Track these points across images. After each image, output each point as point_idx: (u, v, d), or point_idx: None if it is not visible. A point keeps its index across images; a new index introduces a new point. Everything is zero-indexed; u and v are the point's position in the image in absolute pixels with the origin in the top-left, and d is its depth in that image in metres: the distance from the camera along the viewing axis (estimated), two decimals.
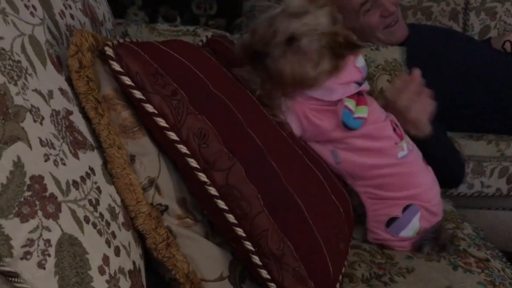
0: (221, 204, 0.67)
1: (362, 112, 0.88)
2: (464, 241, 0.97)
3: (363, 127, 0.88)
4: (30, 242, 0.45)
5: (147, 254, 0.67)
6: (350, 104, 0.88)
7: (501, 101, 1.42)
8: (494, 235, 1.47)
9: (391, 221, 0.90)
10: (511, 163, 1.40)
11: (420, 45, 1.43)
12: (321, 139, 0.91)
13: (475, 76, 1.43)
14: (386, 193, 0.91)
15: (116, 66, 0.64)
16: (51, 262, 0.46)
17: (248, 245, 0.69)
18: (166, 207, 0.68)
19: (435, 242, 0.91)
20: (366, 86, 0.93)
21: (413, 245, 0.92)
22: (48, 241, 0.46)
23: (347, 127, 0.87)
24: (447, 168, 1.05)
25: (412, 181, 0.91)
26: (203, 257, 0.69)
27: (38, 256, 0.45)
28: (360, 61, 0.91)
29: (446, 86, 1.39)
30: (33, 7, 0.58)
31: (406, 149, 0.91)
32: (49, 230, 0.47)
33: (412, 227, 0.90)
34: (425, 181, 0.93)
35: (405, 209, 0.90)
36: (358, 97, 0.89)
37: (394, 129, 0.92)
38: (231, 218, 0.68)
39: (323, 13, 0.85)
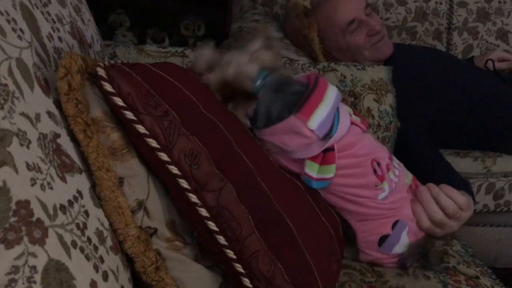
0: (212, 225, 0.67)
1: (326, 172, 0.84)
2: (453, 258, 0.97)
3: (336, 178, 0.85)
4: (15, 269, 0.43)
5: (136, 278, 0.66)
6: (310, 169, 0.84)
7: (486, 118, 1.44)
8: (482, 252, 1.48)
9: (382, 239, 0.89)
10: (497, 180, 1.42)
11: (406, 64, 1.45)
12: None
13: (460, 94, 1.45)
14: (374, 216, 0.89)
15: (108, 87, 0.64)
16: None
17: (239, 267, 0.68)
18: (155, 230, 0.67)
19: (421, 260, 0.90)
20: (338, 135, 0.84)
21: (398, 262, 0.91)
22: (34, 268, 0.45)
23: None
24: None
25: (392, 217, 0.90)
26: (193, 280, 0.68)
27: (23, 283, 0.44)
28: (313, 123, 0.81)
29: (431, 104, 1.41)
30: (21, 30, 0.58)
31: (388, 189, 0.88)
32: (35, 256, 0.46)
33: (403, 243, 0.90)
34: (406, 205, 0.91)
35: (394, 224, 0.89)
36: (323, 155, 0.84)
37: (375, 171, 0.87)
38: (221, 239, 0.67)
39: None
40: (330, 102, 0.84)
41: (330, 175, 0.84)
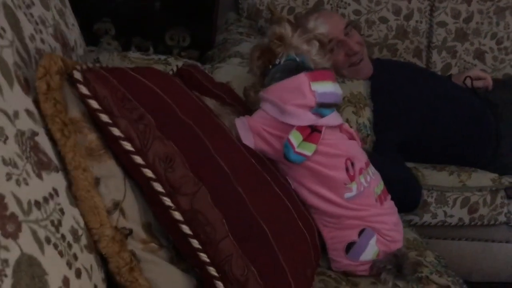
0: (186, 229, 0.68)
1: (306, 149, 0.88)
2: (426, 268, 0.99)
3: (313, 158, 0.89)
4: None
5: (110, 278, 0.66)
6: (295, 138, 0.88)
7: (462, 133, 1.48)
8: (458, 266, 1.50)
9: (349, 246, 0.92)
10: (472, 194, 1.45)
11: (384, 79, 1.48)
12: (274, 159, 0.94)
13: (437, 109, 1.48)
14: (339, 219, 0.92)
15: (84, 90, 0.65)
16: (7, 282, 0.45)
17: (212, 271, 0.69)
18: (131, 231, 0.67)
19: (395, 269, 0.91)
20: (329, 121, 0.91)
21: (371, 269, 0.93)
22: (5, 261, 0.45)
23: (286, 160, 0.89)
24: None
25: (358, 222, 0.92)
26: (167, 282, 0.68)
27: None
28: (317, 87, 0.90)
29: (409, 118, 1.44)
30: (2, 29, 0.59)
31: (356, 190, 0.91)
32: (8, 250, 0.46)
33: (371, 250, 0.92)
34: (373, 217, 0.92)
35: (360, 233, 0.91)
36: (311, 132, 0.89)
37: (347, 169, 0.91)
38: (195, 243, 0.68)
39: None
40: (336, 87, 0.92)
41: (309, 153, 0.88)
